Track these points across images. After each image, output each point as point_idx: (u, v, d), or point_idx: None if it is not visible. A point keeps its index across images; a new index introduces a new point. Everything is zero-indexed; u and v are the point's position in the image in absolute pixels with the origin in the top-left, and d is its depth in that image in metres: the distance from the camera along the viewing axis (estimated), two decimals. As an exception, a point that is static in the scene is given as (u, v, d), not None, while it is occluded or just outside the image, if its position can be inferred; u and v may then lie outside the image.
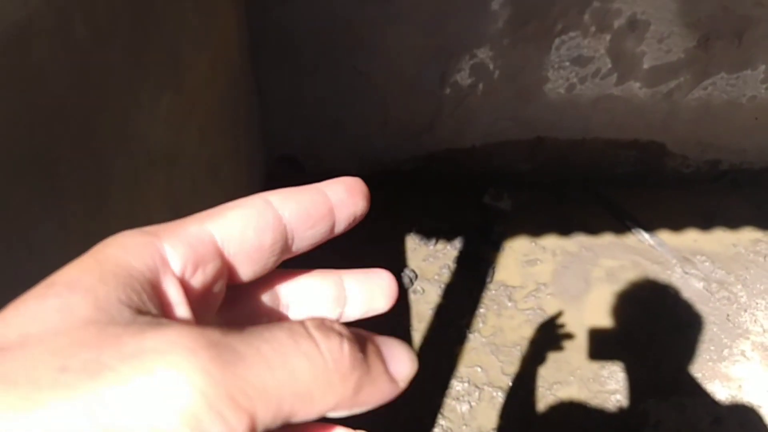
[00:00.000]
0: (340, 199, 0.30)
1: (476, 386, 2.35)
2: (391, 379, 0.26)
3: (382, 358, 0.25)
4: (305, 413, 0.22)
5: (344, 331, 0.24)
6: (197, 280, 0.26)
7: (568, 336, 2.56)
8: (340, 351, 0.23)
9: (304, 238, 0.30)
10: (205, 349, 0.21)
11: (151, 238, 0.26)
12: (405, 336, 2.54)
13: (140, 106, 1.35)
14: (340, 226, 0.31)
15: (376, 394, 0.25)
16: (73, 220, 1.02)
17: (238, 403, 0.20)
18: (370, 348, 0.25)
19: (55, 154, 0.95)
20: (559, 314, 2.64)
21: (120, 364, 0.20)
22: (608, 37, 2.82)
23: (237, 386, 0.20)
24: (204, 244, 0.27)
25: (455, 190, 3.28)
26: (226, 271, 0.28)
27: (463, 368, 2.42)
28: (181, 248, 0.26)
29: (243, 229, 0.28)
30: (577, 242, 2.99)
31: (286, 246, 0.29)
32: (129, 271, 0.24)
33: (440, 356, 2.46)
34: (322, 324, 0.24)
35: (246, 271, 0.29)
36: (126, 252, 0.25)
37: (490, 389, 2.34)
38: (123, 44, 1.24)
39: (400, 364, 0.26)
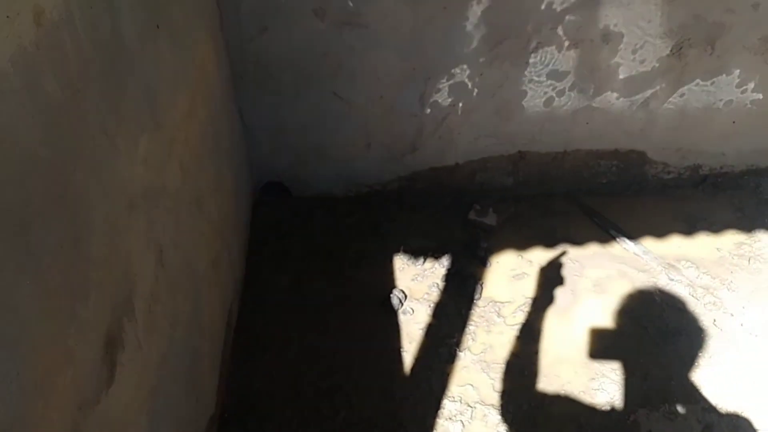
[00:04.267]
0: None
1: (468, 405, 2.37)
2: None
3: None
4: None
5: None
6: None
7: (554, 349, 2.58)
8: None
9: None
10: None
11: None
12: (395, 357, 2.55)
13: (117, 151, 1.37)
14: None
15: None
16: (49, 275, 1.03)
17: None
18: None
19: (29, 211, 0.97)
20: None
21: None
22: (583, 50, 2.86)
23: None
24: None
25: (441, 208, 3.31)
26: None
27: (455, 387, 2.44)
28: None
29: None
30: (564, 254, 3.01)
31: None
32: None
33: (432, 376, 2.48)
34: None
35: None
36: None
37: (482, 407, 2.36)
38: (96, 92, 1.26)
39: None
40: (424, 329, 2.67)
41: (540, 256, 3.01)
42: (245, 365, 2.53)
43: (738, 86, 3.11)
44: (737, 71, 3.06)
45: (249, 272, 2.93)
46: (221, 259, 2.43)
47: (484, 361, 2.53)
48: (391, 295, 2.78)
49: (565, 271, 2.92)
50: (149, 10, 1.66)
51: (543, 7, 2.68)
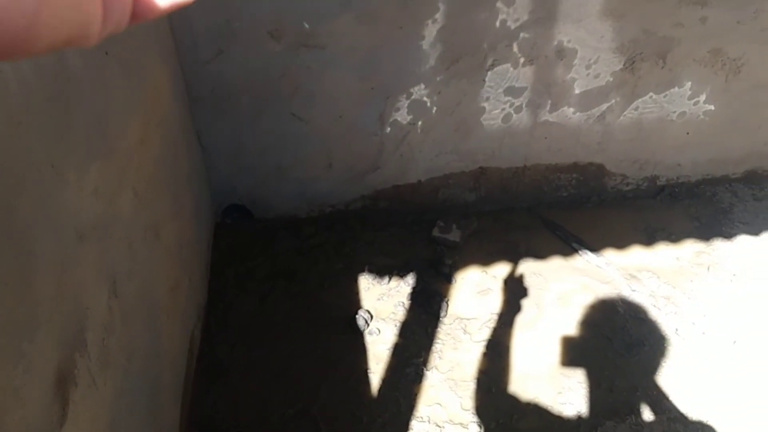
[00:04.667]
0: None
1: (437, 425, 2.35)
2: None
3: None
4: None
5: None
6: None
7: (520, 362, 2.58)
8: None
9: None
10: None
11: None
12: (363, 379, 2.53)
13: (64, 182, 1.33)
14: None
15: None
16: (-8, 313, 1.00)
17: None
18: None
19: (-32, 250, 0.94)
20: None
21: None
22: (538, 66, 2.90)
23: None
24: None
25: (405, 225, 3.30)
26: None
27: (423, 407, 2.42)
28: None
29: None
30: (527, 268, 3.03)
31: None
32: None
33: (399, 397, 2.46)
34: None
35: None
36: None
37: (451, 426, 2.34)
38: (41, 123, 1.23)
39: None
40: (391, 349, 2.65)
41: (504, 270, 3.02)
42: (209, 392, 2.48)
43: (690, 98, 3.19)
44: (689, 83, 3.13)
45: (212, 297, 2.88)
46: (181, 286, 2.39)
47: (452, 380, 2.52)
48: (357, 316, 2.76)
49: (528, 283, 2.94)
50: (97, 37, 1.62)
51: (497, 24, 2.71)
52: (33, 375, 1.14)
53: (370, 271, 3.03)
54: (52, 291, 1.24)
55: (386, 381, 2.52)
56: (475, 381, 2.52)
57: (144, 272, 1.92)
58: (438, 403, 2.43)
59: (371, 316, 2.78)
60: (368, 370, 2.56)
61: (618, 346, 2.65)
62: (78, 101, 1.45)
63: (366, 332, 2.72)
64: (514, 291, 2.91)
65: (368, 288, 2.94)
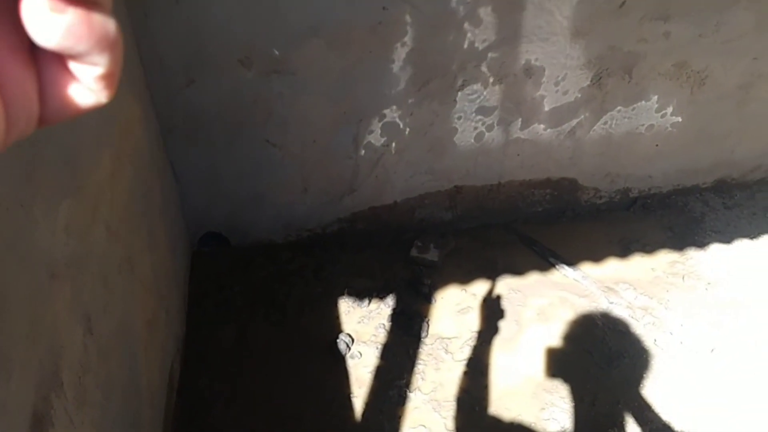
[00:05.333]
0: None
1: (421, 447, 2.34)
2: None
3: None
4: None
5: None
6: None
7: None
8: None
9: None
10: None
11: None
12: (346, 404, 2.51)
13: (34, 221, 1.32)
14: None
15: None
16: (-39, 360, 0.98)
17: None
18: None
19: (-65, 297, 0.92)
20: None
21: None
22: (507, 85, 2.94)
23: None
24: None
25: (383, 247, 3.31)
26: None
27: (407, 430, 2.41)
28: None
29: None
30: (505, 285, 3.04)
31: None
32: None
33: (383, 420, 2.45)
34: None
35: None
36: None
37: (436, 448, 2.34)
38: (8, 165, 1.22)
39: None
40: (373, 372, 2.64)
41: (483, 288, 3.04)
42: (191, 425, 2.45)
43: (657, 111, 3.25)
44: (655, 97, 3.19)
45: (190, 327, 2.86)
46: (158, 319, 2.36)
47: (435, 400, 2.52)
48: (338, 340, 2.74)
49: (505, 303, 2.95)
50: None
51: (465, 46, 2.75)
52: (8, 418, 1.12)
53: (350, 294, 3.02)
54: (26, 332, 1.22)
55: (370, 404, 2.51)
56: (459, 401, 2.51)
57: (119, 307, 1.90)
58: (422, 425, 2.42)
59: (352, 340, 2.77)
60: (351, 394, 2.55)
61: (598, 359, 2.67)
62: (47, 140, 1.44)
63: (348, 356, 2.71)
64: (494, 309, 2.92)
65: (348, 311, 2.94)
